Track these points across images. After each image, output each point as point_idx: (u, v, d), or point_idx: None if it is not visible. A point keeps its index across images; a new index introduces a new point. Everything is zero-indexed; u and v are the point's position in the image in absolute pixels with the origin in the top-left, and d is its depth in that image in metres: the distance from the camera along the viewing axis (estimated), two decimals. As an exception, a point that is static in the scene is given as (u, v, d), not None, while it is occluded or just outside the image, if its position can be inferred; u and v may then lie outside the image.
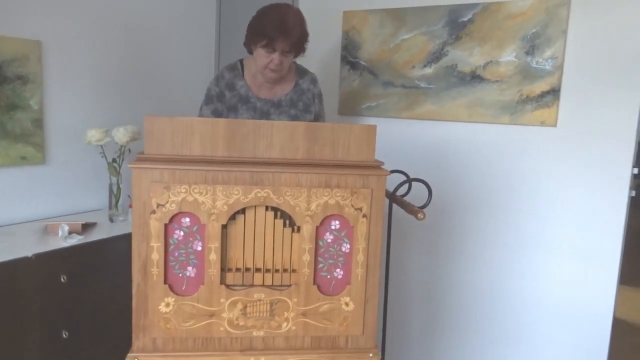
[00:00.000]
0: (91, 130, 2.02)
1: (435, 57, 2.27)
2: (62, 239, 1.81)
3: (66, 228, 1.83)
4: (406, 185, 1.61)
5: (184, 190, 1.23)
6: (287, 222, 1.29)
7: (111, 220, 2.11)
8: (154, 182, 1.22)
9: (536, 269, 2.21)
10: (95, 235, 1.91)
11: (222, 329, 1.28)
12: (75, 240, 1.81)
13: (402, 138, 2.39)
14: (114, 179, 2.09)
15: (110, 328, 1.86)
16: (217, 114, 1.93)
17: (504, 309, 2.30)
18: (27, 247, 1.71)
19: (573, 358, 2.17)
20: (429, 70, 2.29)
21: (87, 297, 1.82)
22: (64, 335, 1.75)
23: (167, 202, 1.23)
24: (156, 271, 1.25)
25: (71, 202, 2.22)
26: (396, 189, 1.55)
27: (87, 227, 1.99)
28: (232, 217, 1.26)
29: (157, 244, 1.24)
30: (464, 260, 2.37)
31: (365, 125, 1.32)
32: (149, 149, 1.26)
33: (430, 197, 1.45)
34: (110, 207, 2.12)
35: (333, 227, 1.30)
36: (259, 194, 1.25)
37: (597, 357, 2.12)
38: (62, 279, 1.72)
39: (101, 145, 2.05)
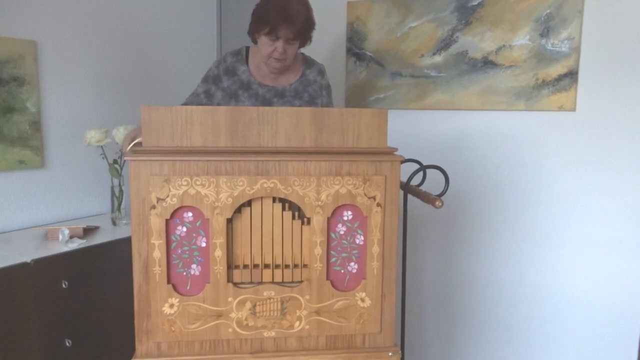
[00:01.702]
0: (90, 131, 1.96)
1: (445, 44, 2.19)
2: (63, 244, 1.74)
3: (67, 232, 1.76)
4: (419, 177, 1.52)
5: (185, 183, 1.15)
6: (296, 214, 1.22)
7: (114, 223, 2.04)
8: (153, 175, 1.15)
9: (559, 264, 2.11)
10: (97, 239, 1.83)
11: (230, 330, 1.20)
12: (77, 244, 1.74)
13: (412, 130, 2.31)
14: (116, 181, 2.02)
15: (117, 335, 1.78)
16: (208, 95, 1.90)
17: (525, 307, 2.20)
18: (25, 252, 1.64)
19: (600, 358, 2.07)
20: (438, 59, 2.21)
21: (91, 303, 1.75)
22: (67, 344, 1.67)
23: (167, 196, 1.15)
24: (158, 270, 1.17)
25: (72, 207, 2.15)
26: (410, 177, 1.46)
27: (88, 231, 1.92)
28: (238, 210, 1.18)
29: (158, 242, 1.16)
30: (481, 256, 2.27)
31: (375, 110, 1.24)
32: (147, 141, 1.19)
33: (448, 184, 1.37)
34: (112, 210, 2.05)
35: (345, 218, 1.22)
36: (265, 185, 1.17)
37: (627, 357, 2.02)
38: (63, 285, 1.65)
39: (101, 146, 1.99)
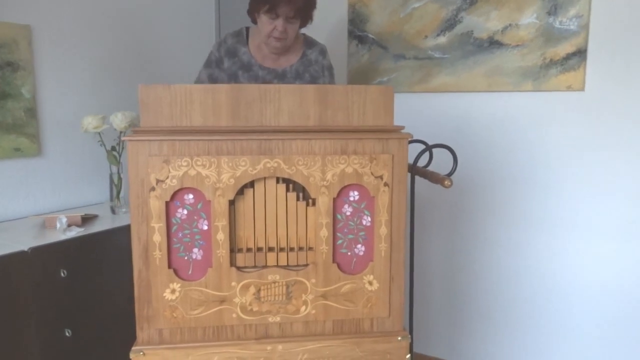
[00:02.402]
0: (87, 117, 1.91)
1: (449, 24, 2.14)
2: (61, 232, 1.69)
3: (64, 220, 1.72)
4: (425, 159, 1.48)
5: (185, 164, 1.11)
6: (301, 194, 1.18)
7: (113, 211, 2.00)
8: (152, 155, 1.11)
9: (569, 248, 2.06)
10: (96, 228, 1.79)
11: (234, 315, 1.16)
12: (75, 232, 1.70)
13: (416, 114, 2.26)
14: (114, 168, 1.98)
15: (117, 325, 1.74)
16: (212, 79, 1.87)
17: (533, 293, 2.16)
18: (22, 241, 1.60)
19: (612, 346, 2.03)
20: (442, 40, 2.16)
21: (91, 292, 1.71)
22: (67, 334, 1.63)
23: (167, 178, 1.11)
24: (159, 255, 1.13)
25: (70, 196, 2.11)
26: (417, 158, 1.42)
27: (87, 219, 1.88)
28: (240, 192, 1.14)
29: (158, 225, 1.12)
30: (488, 242, 2.23)
31: (381, 87, 1.20)
32: (145, 121, 1.14)
33: (456, 163, 1.33)
34: (111, 199, 2.01)
35: (352, 199, 1.18)
36: (268, 165, 1.13)
37: (638, 343, 1.98)
38: (62, 274, 1.61)
39: (99, 133, 1.94)
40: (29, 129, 1.94)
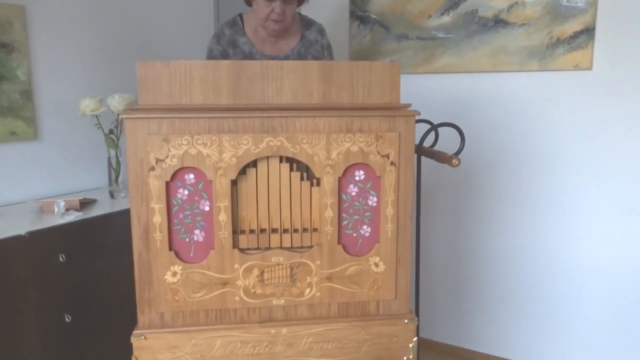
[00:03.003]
0: (85, 100, 1.87)
1: (453, 3, 2.09)
2: (59, 216, 1.66)
3: (62, 204, 1.69)
4: (430, 140, 1.44)
5: (185, 142, 1.08)
6: (305, 174, 1.14)
7: (112, 196, 1.96)
8: (151, 134, 1.07)
9: (576, 230, 2.03)
10: (94, 212, 1.76)
11: (237, 298, 1.13)
12: (73, 217, 1.67)
13: (419, 95, 2.22)
14: (112, 152, 1.94)
15: (118, 309, 1.71)
16: None
17: (540, 276, 2.14)
18: (20, 225, 1.57)
19: (619, 330, 2.01)
20: (446, 19, 2.11)
21: (90, 278, 1.68)
22: (67, 320, 1.61)
23: (167, 157, 1.08)
24: (159, 237, 1.10)
25: (68, 181, 2.07)
26: (423, 138, 1.39)
27: (86, 204, 1.85)
28: (242, 171, 1.11)
29: (158, 206, 1.09)
30: (493, 224, 2.21)
31: (387, 63, 1.16)
32: (144, 99, 1.11)
33: (463, 142, 1.29)
34: (110, 183, 1.97)
35: (357, 178, 1.15)
36: (271, 143, 1.10)
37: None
38: (60, 259, 1.58)
39: (96, 116, 1.90)
40: (25, 112, 1.90)
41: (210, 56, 1.83)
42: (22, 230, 1.51)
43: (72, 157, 2.08)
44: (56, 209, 1.68)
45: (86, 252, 1.67)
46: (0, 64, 1.81)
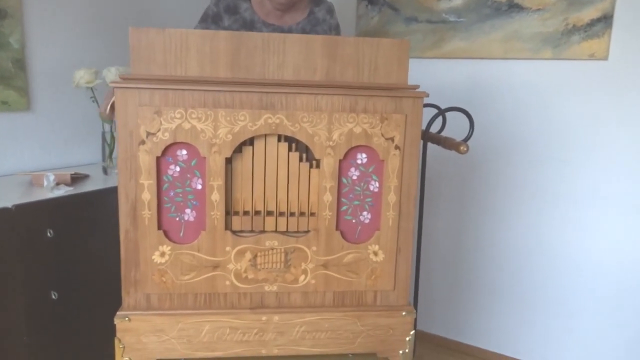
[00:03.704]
0: (79, 71, 1.80)
1: (466, -15, 2.01)
2: (48, 190, 1.60)
3: (52, 178, 1.62)
4: (437, 126, 1.38)
5: (178, 116, 1.01)
6: (304, 155, 1.08)
7: (105, 172, 1.90)
8: (142, 105, 1.01)
9: (585, 226, 1.98)
10: (86, 188, 1.70)
11: (228, 283, 1.08)
12: (63, 191, 1.61)
13: (426, 80, 2.13)
14: (107, 126, 1.88)
15: (105, 288, 1.66)
16: None
17: (544, 271, 2.09)
18: (6, 198, 1.51)
19: (626, 325, 1.96)
20: (458, 2, 2.04)
21: (79, 254, 1.63)
22: (53, 297, 1.56)
23: (158, 131, 1.01)
24: (148, 214, 1.04)
25: (61, 154, 2.01)
26: (430, 123, 1.32)
27: (77, 179, 1.79)
28: (238, 149, 1.05)
29: (147, 182, 1.03)
30: (498, 216, 2.15)
31: (396, 40, 1.09)
32: (136, 69, 1.04)
33: (472, 127, 1.23)
34: (103, 159, 1.91)
35: (359, 161, 1.09)
36: (269, 121, 1.03)
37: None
38: (48, 234, 1.53)
39: (91, 88, 1.83)
40: (17, 81, 1.83)
41: (205, 13, 1.76)
42: (8, 203, 1.45)
43: (65, 130, 2.01)
44: (45, 183, 1.62)
45: (75, 229, 1.61)
46: (-7, 30, 1.74)
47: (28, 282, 1.50)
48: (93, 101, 1.86)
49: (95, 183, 1.78)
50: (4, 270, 1.43)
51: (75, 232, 1.61)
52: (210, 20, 1.75)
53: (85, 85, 1.80)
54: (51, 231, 1.53)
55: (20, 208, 1.46)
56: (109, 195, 1.70)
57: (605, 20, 1.79)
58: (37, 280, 1.52)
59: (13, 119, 1.84)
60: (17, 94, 1.83)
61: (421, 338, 2.34)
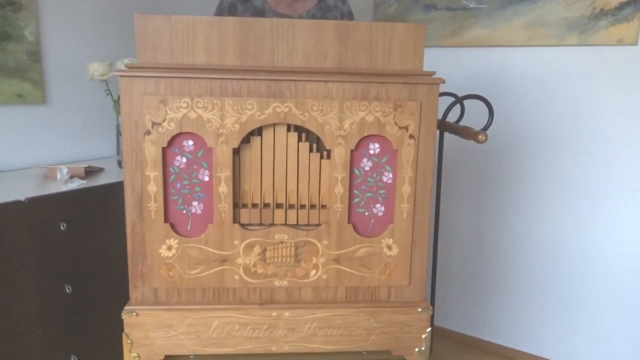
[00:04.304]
0: (94, 63, 1.79)
1: (487, -30, 1.94)
2: (62, 183, 1.60)
3: (65, 171, 1.62)
4: (455, 115, 1.33)
5: (184, 105, 0.98)
6: (315, 145, 1.04)
7: (120, 165, 1.89)
8: (147, 94, 0.98)
9: (616, 224, 1.88)
10: (100, 181, 1.69)
11: (236, 277, 1.05)
12: (76, 184, 1.60)
13: (446, 70, 2.06)
14: (121, 119, 1.86)
15: (120, 280, 1.64)
16: None
17: (566, 267, 2.01)
18: (20, 191, 1.51)
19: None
20: (479, -13, 1.97)
21: (93, 247, 1.62)
22: (67, 290, 1.55)
23: (164, 120, 0.99)
24: (154, 207, 1.02)
25: (76, 147, 2.01)
26: (446, 112, 1.27)
27: (91, 172, 1.78)
28: (246, 140, 1.02)
29: (154, 173, 1.01)
30: (519, 211, 2.08)
31: (411, 25, 1.04)
32: (142, 57, 1.02)
33: (492, 116, 1.17)
34: (118, 152, 1.90)
35: (372, 152, 1.05)
36: (278, 109, 1.00)
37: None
38: (61, 227, 1.52)
39: (105, 81, 1.82)
40: (33, 74, 1.83)
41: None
42: (21, 196, 1.45)
43: (81, 124, 2.01)
44: (59, 176, 1.61)
45: (89, 222, 1.60)
46: (7, 23, 1.74)
47: (41, 276, 1.49)
48: (107, 94, 1.85)
49: (109, 176, 1.77)
50: (17, 263, 1.43)
51: (88, 225, 1.60)
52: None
53: (99, 78, 1.79)
54: (64, 224, 1.53)
55: (32, 201, 1.45)
56: (122, 189, 1.69)
57: (635, 3, 1.70)
58: (50, 274, 1.52)
59: (28, 111, 1.84)
60: (32, 87, 1.83)
61: (438, 334, 2.29)
